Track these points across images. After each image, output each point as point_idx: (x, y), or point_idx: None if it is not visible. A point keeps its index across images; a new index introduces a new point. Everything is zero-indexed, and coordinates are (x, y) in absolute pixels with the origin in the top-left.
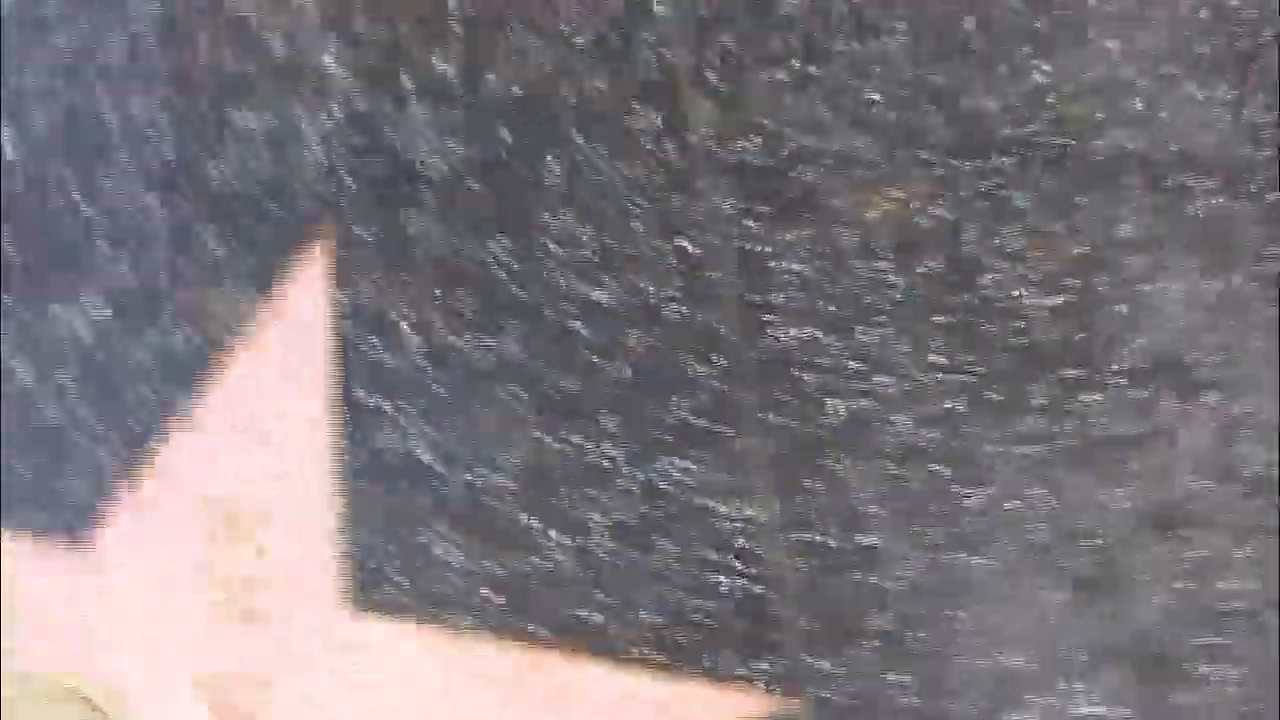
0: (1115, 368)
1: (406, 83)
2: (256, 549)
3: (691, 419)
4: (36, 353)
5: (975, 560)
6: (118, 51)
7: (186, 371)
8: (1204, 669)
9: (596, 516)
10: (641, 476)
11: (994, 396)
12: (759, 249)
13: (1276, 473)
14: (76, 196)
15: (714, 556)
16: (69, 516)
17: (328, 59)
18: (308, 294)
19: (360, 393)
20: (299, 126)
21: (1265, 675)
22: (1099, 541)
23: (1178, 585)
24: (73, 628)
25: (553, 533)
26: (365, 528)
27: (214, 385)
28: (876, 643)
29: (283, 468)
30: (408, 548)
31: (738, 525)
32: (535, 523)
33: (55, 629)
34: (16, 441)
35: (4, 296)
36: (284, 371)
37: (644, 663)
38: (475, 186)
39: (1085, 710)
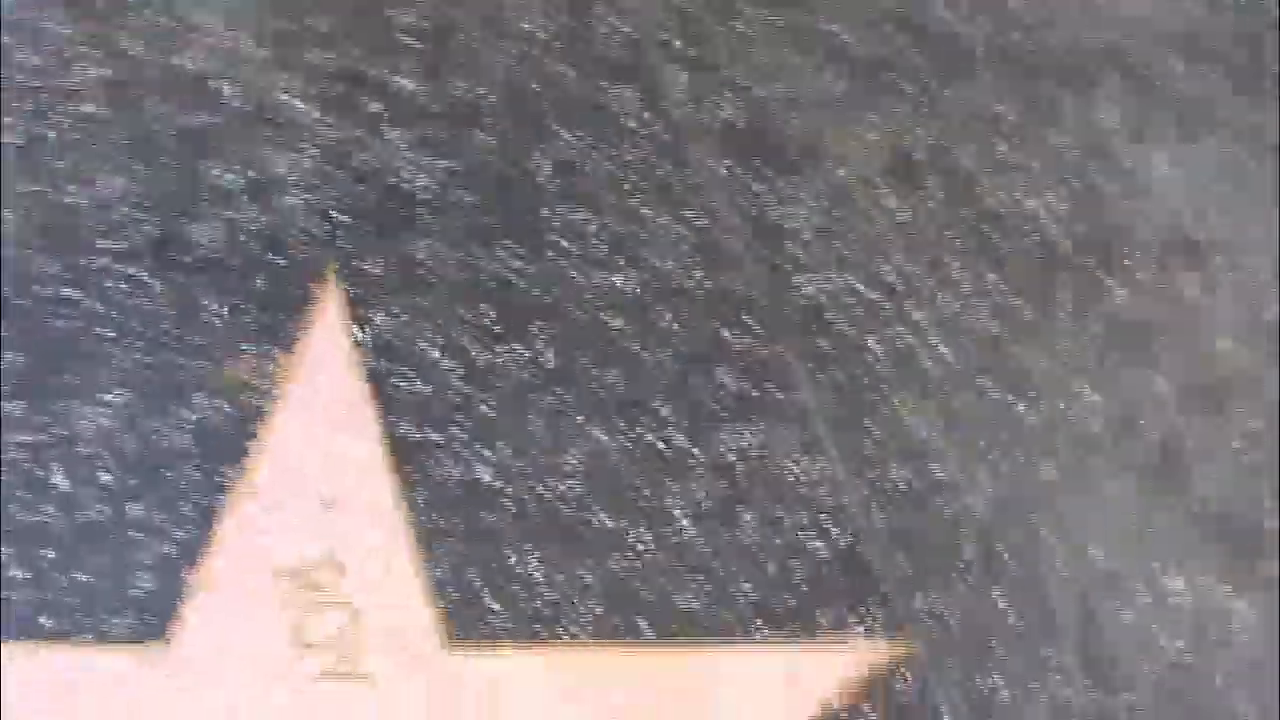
0: (1130, 254)
1: (373, 106)
2: (341, 605)
3: (741, 387)
4: (67, 454)
5: (1043, 469)
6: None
7: (226, 443)
8: None
9: (673, 503)
10: (708, 455)
11: (1022, 304)
12: (765, 207)
13: None
14: (69, 289)
15: (798, 518)
16: (141, 614)
17: (289, 98)
18: (328, 340)
19: (405, 428)
20: (276, 173)
21: None
22: (1156, 428)
23: (1240, 459)
24: None
25: (634, 529)
26: (446, 562)
27: (257, 451)
28: (971, 569)
29: (345, 518)
30: (493, 573)
31: (813, 483)
32: (614, 522)
33: None
34: (66, 548)
35: (13, 400)
36: (323, 422)
37: (754, 639)
38: (468, 197)
39: (1177, 585)
